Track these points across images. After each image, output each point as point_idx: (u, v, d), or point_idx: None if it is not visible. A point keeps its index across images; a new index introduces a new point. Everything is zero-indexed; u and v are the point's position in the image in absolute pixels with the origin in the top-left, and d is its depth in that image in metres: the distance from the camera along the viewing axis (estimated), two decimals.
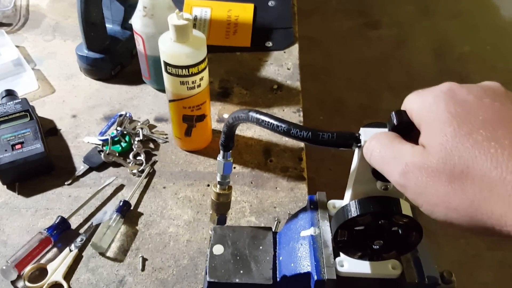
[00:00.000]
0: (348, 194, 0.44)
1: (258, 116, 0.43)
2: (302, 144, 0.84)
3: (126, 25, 0.98)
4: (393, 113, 0.35)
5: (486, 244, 1.77)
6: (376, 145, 0.35)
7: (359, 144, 0.38)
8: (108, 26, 0.95)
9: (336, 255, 0.46)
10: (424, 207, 0.32)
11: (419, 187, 0.31)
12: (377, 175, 0.38)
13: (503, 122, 0.29)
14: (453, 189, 0.29)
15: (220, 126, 0.87)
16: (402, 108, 0.36)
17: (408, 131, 0.34)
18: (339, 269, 0.45)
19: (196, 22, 1.08)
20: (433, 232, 1.68)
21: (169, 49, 0.70)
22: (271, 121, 0.42)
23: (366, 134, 0.38)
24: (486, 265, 1.72)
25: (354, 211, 0.40)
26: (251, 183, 0.79)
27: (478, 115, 0.30)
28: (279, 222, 0.72)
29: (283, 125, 0.41)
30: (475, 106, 0.31)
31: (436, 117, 0.31)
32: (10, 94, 0.87)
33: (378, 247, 0.43)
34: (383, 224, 0.40)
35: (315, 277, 0.44)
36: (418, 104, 0.34)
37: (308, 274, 0.46)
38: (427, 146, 0.31)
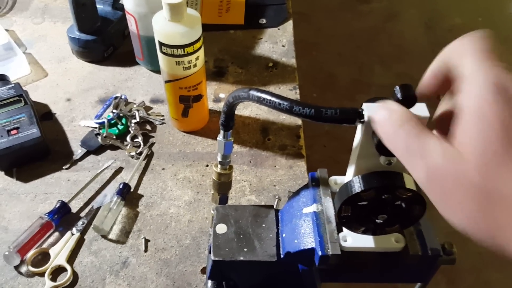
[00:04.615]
0: (351, 170, 0.44)
1: (259, 94, 0.43)
2: (299, 122, 0.84)
3: (117, 5, 0.96)
4: (397, 87, 0.35)
5: None
6: (399, 131, 0.31)
7: (362, 120, 0.38)
8: (99, 6, 0.94)
9: (339, 230, 0.47)
10: (445, 215, 0.29)
11: (445, 195, 0.28)
12: (381, 150, 0.39)
13: None
14: (482, 209, 0.27)
15: (216, 106, 0.87)
16: (441, 55, 0.33)
17: (412, 105, 0.34)
18: (343, 244, 0.46)
19: (188, 1, 1.06)
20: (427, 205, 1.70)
21: (164, 29, 0.69)
22: (273, 99, 0.41)
23: (369, 109, 0.38)
24: None
25: (358, 187, 0.40)
26: (250, 162, 0.79)
27: None
28: (280, 200, 0.72)
29: (285, 103, 0.40)
30: None
31: (482, 117, 0.27)
32: (2, 79, 0.86)
33: (381, 221, 0.43)
34: (386, 198, 0.41)
35: (320, 253, 0.45)
36: (465, 83, 0.29)
37: (312, 250, 0.46)
38: (463, 150, 0.28)
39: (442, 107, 0.36)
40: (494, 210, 0.26)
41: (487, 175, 0.26)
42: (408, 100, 0.34)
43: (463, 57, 0.31)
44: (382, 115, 0.33)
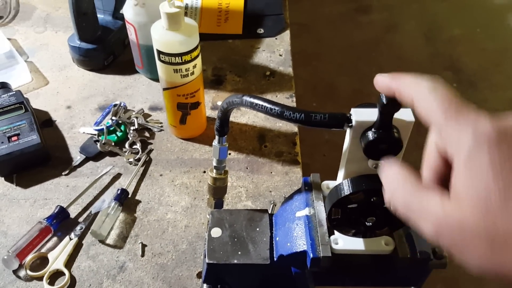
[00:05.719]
0: (341, 173, 0.45)
1: (252, 100, 0.44)
2: (296, 129, 0.85)
3: (117, 14, 0.98)
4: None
5: None
6: (397, 191, 0.33)
7: (350, 124, 0.39)
8: (100, 16, 0.95)
9: (330, 233, 0.47)
10: (462, 262, 0.29)
11: (455, 245, 0.29)
12: (369, 154, 0.40)
13: None
14: (493, 253, 0.27)
15: (214, 114, 0.88)
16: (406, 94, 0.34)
17: (397, 108, 0.36)
18: (334, 246, 0.47)
19: (187, 11, 1.08)
20: None
21: (162, 37, 0.70)
22: (265, 104, 0.43)
23: (357, 114, 0.39)
24: None
25: (347, 189, 0.41)
26: (247, 168, 0.80)
27: None
28: (275, 205, 0.73)
29: (277, 108, 0.42)
30: None
31: (472, 167, 0.28)
32: (4, 86, 0.88)
33: (371, 224, 0.44)
34: (375, 201, 0.42)
35: (311, 255, 0.46)
36: (449, 135, 0.30)
37: (304, 253, 0.47)
38: (463, 200, 0.29)
39: (431, 156, 0.36)
40: (505, 253, 0.27)
41: (487, 220, 0.27)
42: (392, 105, 0.36)
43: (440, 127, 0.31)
44: (384, 176, 0.35)
